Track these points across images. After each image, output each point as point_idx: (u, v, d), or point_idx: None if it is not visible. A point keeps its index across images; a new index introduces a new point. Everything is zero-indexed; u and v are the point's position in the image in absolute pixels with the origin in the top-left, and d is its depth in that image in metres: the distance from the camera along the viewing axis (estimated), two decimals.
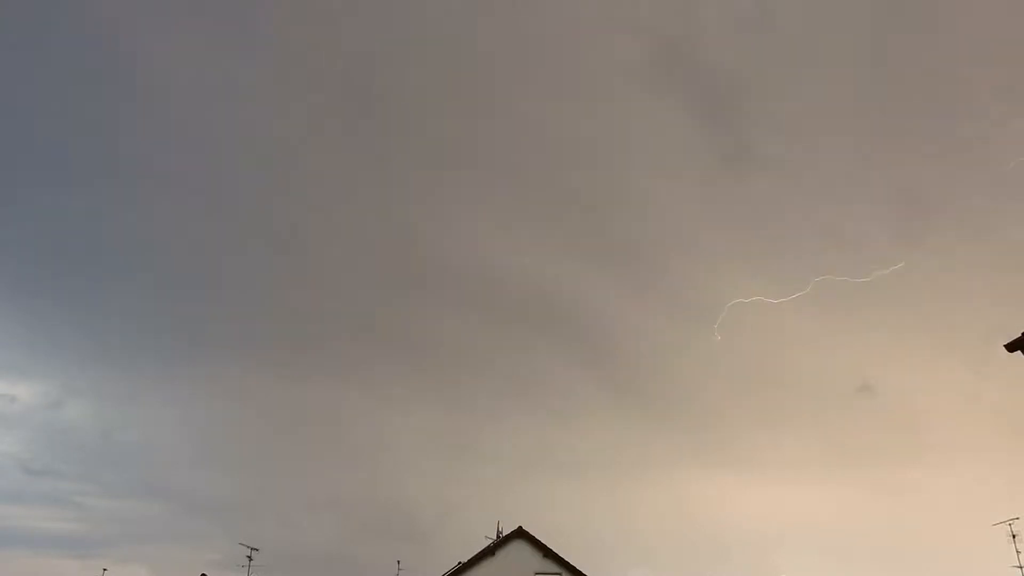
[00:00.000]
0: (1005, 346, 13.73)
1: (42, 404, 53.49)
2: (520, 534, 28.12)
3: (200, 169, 52.32)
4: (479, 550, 28.28)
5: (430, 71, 50.27)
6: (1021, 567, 25.87)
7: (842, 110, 47.42)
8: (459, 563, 29.17)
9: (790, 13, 46.29)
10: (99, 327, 54.73)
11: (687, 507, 47.52)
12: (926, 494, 43.95)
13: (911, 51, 44.91)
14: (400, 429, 54.21)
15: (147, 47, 48.51)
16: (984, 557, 28.13)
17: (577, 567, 27.70)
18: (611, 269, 55.21)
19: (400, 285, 55.51)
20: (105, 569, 32.23)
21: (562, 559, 27.75)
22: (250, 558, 30.16)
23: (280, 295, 55.13)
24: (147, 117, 51.42)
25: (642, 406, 54.59)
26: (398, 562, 33.19)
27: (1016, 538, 26.26)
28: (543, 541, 27.97)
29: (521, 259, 53.83)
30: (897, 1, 44.79)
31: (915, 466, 45.44)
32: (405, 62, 50.09)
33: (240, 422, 53.89)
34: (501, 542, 28.14)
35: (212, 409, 54.14)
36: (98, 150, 51.62)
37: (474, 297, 55.69)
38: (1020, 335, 13.33)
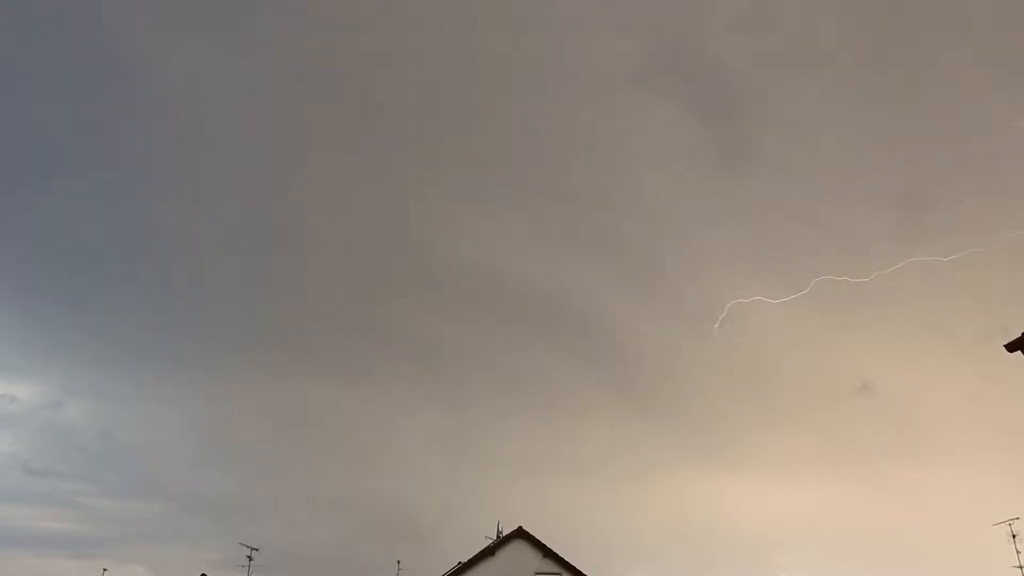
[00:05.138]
0: (1005, 346, 13.73)
1: (42, 404, 53.57)
2: (520, 534, 28.08)
3: (200, 169, 52.38)
4: (479, 550, 28.26)
5: (429, 71, 50.33)
6: (1021, 567, 25.87)
7: (842, 110, 47.47)
8: (459, 563, 29.16)
9: (790, 13, 46.33)
10: (99, 327, 54.81)
11: (687, 507, 47.55)
12: (926, 494, 44.01)
13: (911, 51, 44.95)
14: (400, 429, 54.31)
15: (147, 47, 48.58)
16: (984, 557, 28.17)
17: (577, 567, 27.68)
18: (611, 269, 55.26)
19: (400, 285, 55.57)
20: (105, 569, 32.33)
21: (562, 559, 27.72)
22: (250, 558, 30.21)
23: (280, 295, 55.20)
24: (147, 117, 51.52)
25: (642, 406, 54.60)
26: (398, 562, 33.27)
27: (1016, 538, 26.26)
28: (543, 541, 27.94)
29: (521, 259, 53.89)
30: (897, 1, 44.82)
31: (915, 466, 45.50)
32: (404, 62, 50.15)
33: (240, 422, 53.94)
34: (501, 542, 28.12)
35: (212, 409, 54.23)
36: (98, 150, 51.69)
37: (474, 297, 55.73)
38: (1020, 335, 13.33)
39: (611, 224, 53.25)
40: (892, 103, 45.80)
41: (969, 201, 43.15)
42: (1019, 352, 13.55)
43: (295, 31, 49.26)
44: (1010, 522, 26.46)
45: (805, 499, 46.68)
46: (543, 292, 53.99)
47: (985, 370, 37.60)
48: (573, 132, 51.99)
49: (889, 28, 44.85)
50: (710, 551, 40.91)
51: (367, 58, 50.16)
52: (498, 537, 28.61)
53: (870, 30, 45.22)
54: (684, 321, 52.46)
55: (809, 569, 35.99)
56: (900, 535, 39.63)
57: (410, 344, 55.74)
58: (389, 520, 48.49)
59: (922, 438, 45.83)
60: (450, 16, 48.32)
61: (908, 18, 44.14)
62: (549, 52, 49.44)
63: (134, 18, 47.31)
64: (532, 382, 54.59)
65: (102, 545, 47.81)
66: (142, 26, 47.62)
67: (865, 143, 46.69)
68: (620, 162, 52.08)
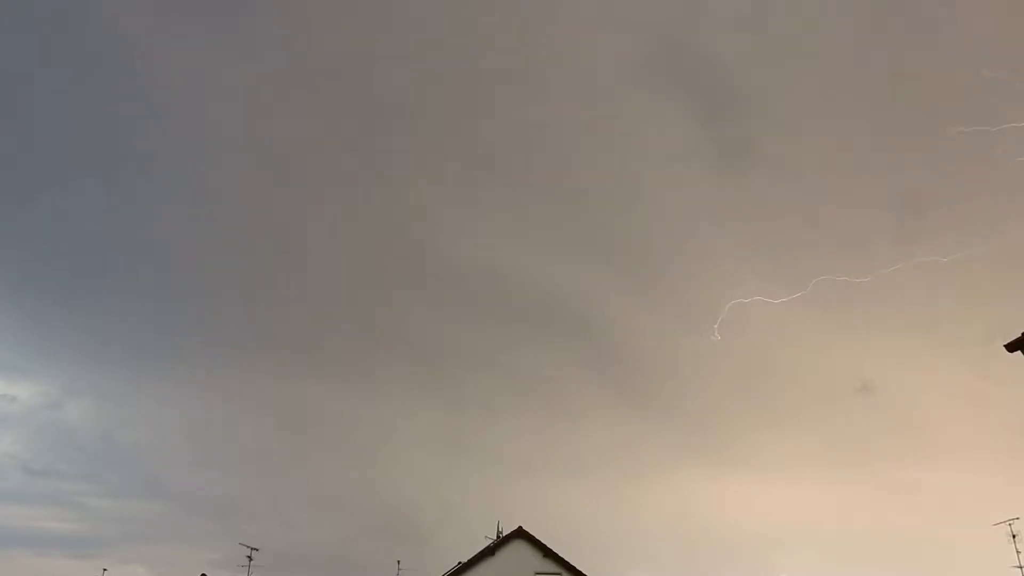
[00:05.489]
0: (1005, 346, 13.72)
1: (42, 404, 53.61)
2: (520, 534, 28.10)
3: (200, 169, 52.42)
4: (479, 550, 28.27)
5: (430, 71, 50.34)
6: (1021, 567, 25.88)
7: (842, 110, 47.45)
8: (459, 563, 29.17)
9: (790, 13, 46.34)
10: (99, 327, 54.86)
11: (687, 507, 47.53)
12: (926, 494, 44.02)
13: (910, 51, 44.94)
14: (400, 429, 54.31)
15: (147, 47, 48.62)
16: (984, 557, 28.17)
17: (577, 567, 27.68)
18: (612, 269, 55.26)
19: (400, 285, 55.57)
20: (105, 569, 32.37)
21: (562, 559, 27.73)
22: (250, 558, 30.25)
23: (280, 295, 55.22)
24: (147, 117, 51.56)
25: (642, 406, 54.63)
26: (398, 562, 33.32)
27: (1016, 538, 26.27)
28: (543, 541, 27.95)
29: (522, 259, 53.89)
30: (897, 1, 44.82)
31: (915, 466, 45.52)
32: (405, 62, 50.16)
33: (240, 422, 53.96)
34: (501, 542, 28.12)
35: (212, 409, 54.22)
36: (98, 150, 51.73)
37: (474, 297, 55.75)
38: (1020, 335, 13.32)
39: (611, 223, 53.27)
40: (892, 103, 45.81)
41: (969, 201, 43.12)
42: (1019, 352, 13.54)
43: (295, 31, 49.33)
44: (1010, 522, 26.49)
45: (805, 499, 46.76)
46: (543, 292, 54.05)
47: (985, 370, 37.63)
48: (573, 132, 52.04)
49: (889, 28, 44.89)
50: (710, 551, 40.92)
51: (368, 57, 50.18)
52: (498, 537, 28.61)
53: (870, 30, 45.25)
54: (684, 321, 52.42)
55: (809, 569, 36.03)
56: (900, 535, 39.67)
57: (410, 344, 55.79)
58: (389, 520, 48.54)
59: (922, 438, 45.90)
60: (451, 16, 48.39)
61: (908, 18, 44.16)
62: (549, 51, 49.53)
63: (134, 18, 47.42)
64: (532, 382, 54.65)
65: (102, 545, 47.90)
66: (142, 26, 47.72)
67: (865, 143, 46.68)
68: (620, 162, 52.13)
